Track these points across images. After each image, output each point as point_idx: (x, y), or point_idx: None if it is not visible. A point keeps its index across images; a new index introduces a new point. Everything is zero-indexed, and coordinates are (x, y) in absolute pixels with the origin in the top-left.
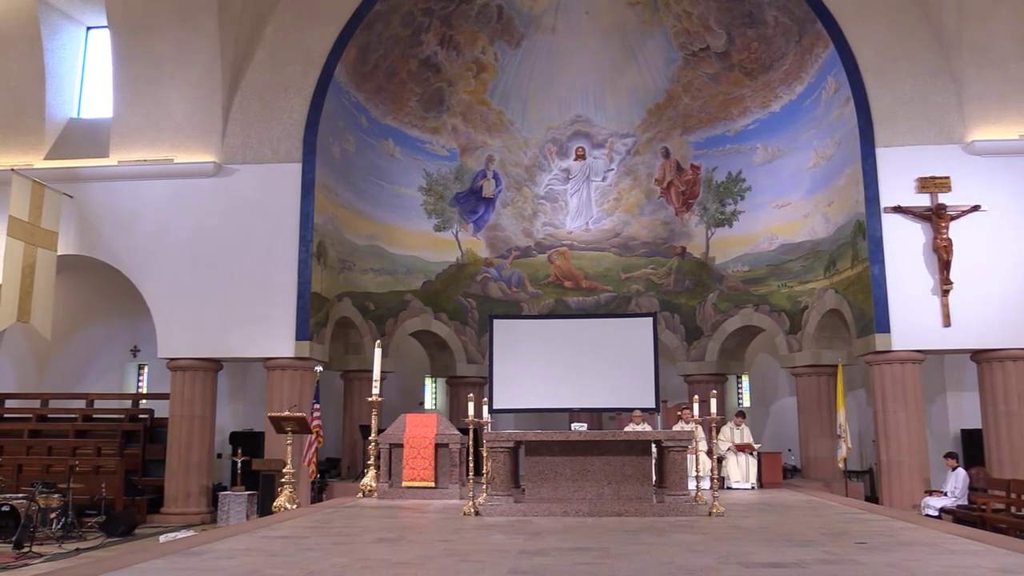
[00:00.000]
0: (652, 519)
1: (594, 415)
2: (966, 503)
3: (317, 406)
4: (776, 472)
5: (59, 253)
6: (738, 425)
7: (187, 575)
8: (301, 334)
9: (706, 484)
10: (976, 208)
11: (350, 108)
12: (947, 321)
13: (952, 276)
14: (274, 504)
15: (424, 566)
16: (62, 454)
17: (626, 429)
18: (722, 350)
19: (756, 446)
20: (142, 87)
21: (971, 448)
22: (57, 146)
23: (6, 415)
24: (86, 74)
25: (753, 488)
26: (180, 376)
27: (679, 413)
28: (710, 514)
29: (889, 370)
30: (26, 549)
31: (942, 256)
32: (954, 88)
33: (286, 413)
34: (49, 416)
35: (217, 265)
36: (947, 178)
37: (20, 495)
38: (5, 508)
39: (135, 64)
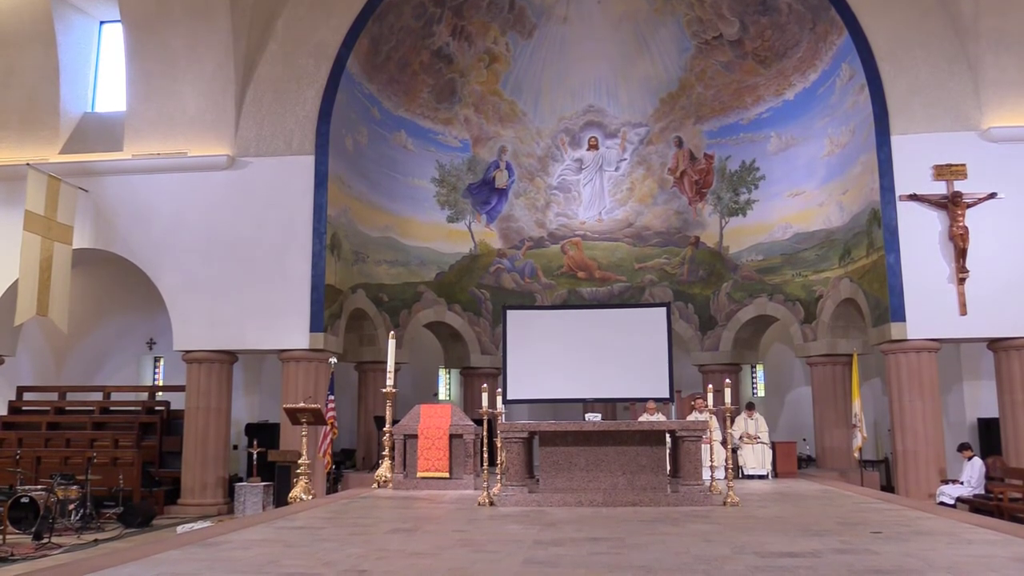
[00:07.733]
0: (667, 509)
1: (608, 405)
2: (983, 492)
3: (332, 397)
4: (791, 462)
5: (75, 247)
6: (751, 416)
7: (204, 566)
8: (315, 326)
9: (721, 474)
10: (993, 195)
11: (362, 100)
12: (963, 309)
13: (968, 264)
14: (290, 495)
15: (439, 556)
16: (80, 446)
17: (640, 419)
18: (736, 340)
19: (761, 436)
20: (155, 81)
21: (988, 437)
22: (72, 140)
23: (25, 408)
24: (100, 68)
25: (768, 475)
26: (196, 368)
27: (693, 403)
28: (725, 504)
29: (905, 359)
30: (45, 540)
31: (958, 244)
32: (970, 75)
33: (301, 405)
34: (67, 409)
35: (232, 258)
36: (963, 165)
37: (39, 487)
38: (24, 500)
39: (148, 58)
